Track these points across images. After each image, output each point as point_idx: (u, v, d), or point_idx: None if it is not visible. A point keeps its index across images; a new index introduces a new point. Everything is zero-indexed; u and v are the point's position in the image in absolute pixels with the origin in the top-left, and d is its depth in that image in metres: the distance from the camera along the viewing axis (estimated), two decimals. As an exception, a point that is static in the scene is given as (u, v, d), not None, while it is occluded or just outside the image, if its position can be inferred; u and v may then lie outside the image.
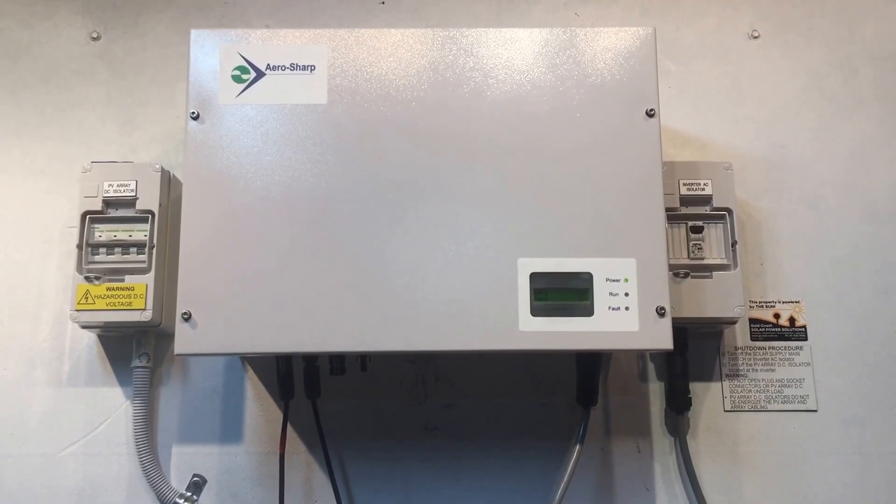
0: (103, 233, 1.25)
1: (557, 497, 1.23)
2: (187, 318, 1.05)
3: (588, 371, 1.26)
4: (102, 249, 1.25)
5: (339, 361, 1.25)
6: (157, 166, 1.26)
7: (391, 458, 1.30)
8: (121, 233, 1.25)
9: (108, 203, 1.25)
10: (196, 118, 1.11)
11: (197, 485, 1.26)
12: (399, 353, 1.15)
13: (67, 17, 1.46)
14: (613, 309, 1.07)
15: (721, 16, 1.47)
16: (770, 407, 1.32)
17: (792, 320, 1.34)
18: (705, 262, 1.25)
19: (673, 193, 1.25)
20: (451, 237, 1.08)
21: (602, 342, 1.06)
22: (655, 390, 1.33)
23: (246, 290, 1.06)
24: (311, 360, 1.27)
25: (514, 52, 1.14)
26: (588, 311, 1.07)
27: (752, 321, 1.35)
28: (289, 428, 1.29)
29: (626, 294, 1.07)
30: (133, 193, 1.25)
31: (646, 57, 1.13)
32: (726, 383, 1.32)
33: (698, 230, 1.26)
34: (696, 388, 1.31)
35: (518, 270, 1.07)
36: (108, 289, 1.22)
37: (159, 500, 1.26)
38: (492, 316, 1.06)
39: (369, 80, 1.12)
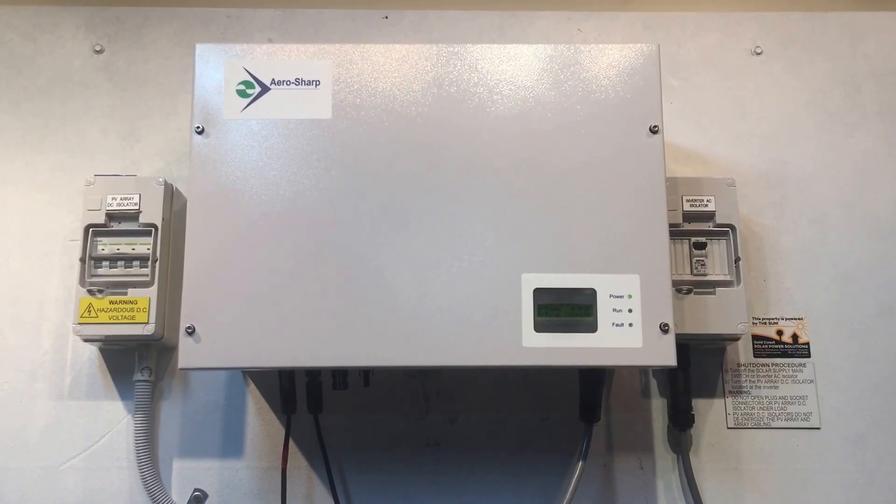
0: (106, 246, 1.25)
1: (560, 513, 1.23)
2: (191, 332, 1.05)
3: (591, 387, 1.25)
4: (105, 263, 1.25)
5: (341, 376, 1.24)
6: (161, 180, 1.26)
7: (393, 473, 1.30)
8: (124, 246, 1.25)
9: (112, 216, 1.25)
10: (201, 132, 1.11)
11: (198, 499, 1.26)
12: (402, 368, 1.15)
13: (70, 30, 1.46)
14: (617, 325, 1.07)
15: (724, 32, 1.48)
16: (773, 424, 1.31)
17: (795, 337, 1.34)
18: (708, 278, 1.25)
19: (676, 209, 1.26)
20: (454, 252, 1.08)
21: (605, 359, 1.06)
22: (658, 407, 1.32)
23: (250, 304, 1.06)
24: (313, 374, 1.27)
25: (518, 68, 1.14)
26: (591, 328, 1.06)
27: (755, 338, 1.34)
28: (290, 442, 1.28)
29: (630, 310, 1.07)
30: (136, 207, 1.25)
31: (649, 74, 1.13)
32: (729, 400, 1.32)
33: (701, 246, 1.26)
34: (698, 404, 1.31)
35: (522, 286, 1.07)
36: (110, 302, 1.22)
37: (160, 514, 1.26)
38: (495, 331, 1.06)
39: (374, 95, 1.12)
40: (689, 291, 1.24)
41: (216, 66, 1.13)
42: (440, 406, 1.32)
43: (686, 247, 1.27)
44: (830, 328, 1.35)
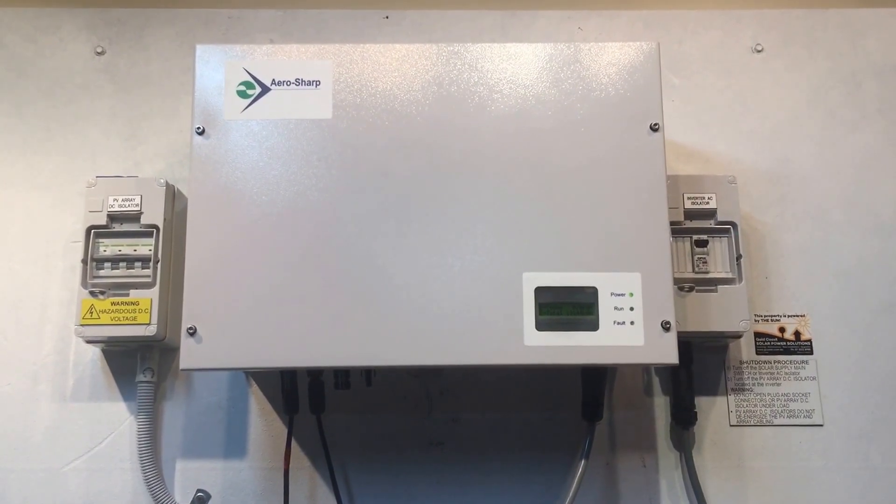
0: (108, 247, 1.25)
1: (563, 512, 1.23)
2: (192, 332, 1.05)
3: (593, 385, 1.25)
4: (107, 264, 1.25)
5: (343, 376, 1.24)
6: (162, 181, 1.26)
7: (396, 472, 1.30)
8: (125, 247, 1.25)
9: (113, 217, 1.26)
10: (201, 133, 1.11)
11: (201, 500, 1.26)
12: (404, 367, 1.15)
13: (72, 32, 1.46)
14: (619, 323, 1.06)
15: (724, 29, 1.47)
16: (776, 421, 1.31)
17: (797, 334, 1.34)
18: (710, 275, 1.25)
19: (677, 207, 1.26)
20: (455, 252, 1.08)
21: (607, 357, 1.06)
22: (661, 405, 1.32)
23: (251, 304, 1.06)
24: (315, 374, 1.27)
25: (518, 66, 1.14)
26: (593, 326, 1.06)
27: (758, 335, 1.34)
28: (293, 443, 1.28)
29: (632, 308, 1.07)
30: (138, 208, 1.25)
31: (650, 72, 1.13)
32: (732, 397, 1.32)
33: (703, 244, 1.26)
34: (701, 402, 1.31)
35: (523, 285, 1.07)
36: (112, 303, 1.22)
37: (163, 515, 1.26)
38: (497, 330, 1.06)
39: (374, 94, 1.12)
40: (690, 289, 1.23)
41: (216, 67, 1.13)
42: (443, 405, 1.32)
43: (688, 244, 1.27)
44: (833, 325, 1.34)
